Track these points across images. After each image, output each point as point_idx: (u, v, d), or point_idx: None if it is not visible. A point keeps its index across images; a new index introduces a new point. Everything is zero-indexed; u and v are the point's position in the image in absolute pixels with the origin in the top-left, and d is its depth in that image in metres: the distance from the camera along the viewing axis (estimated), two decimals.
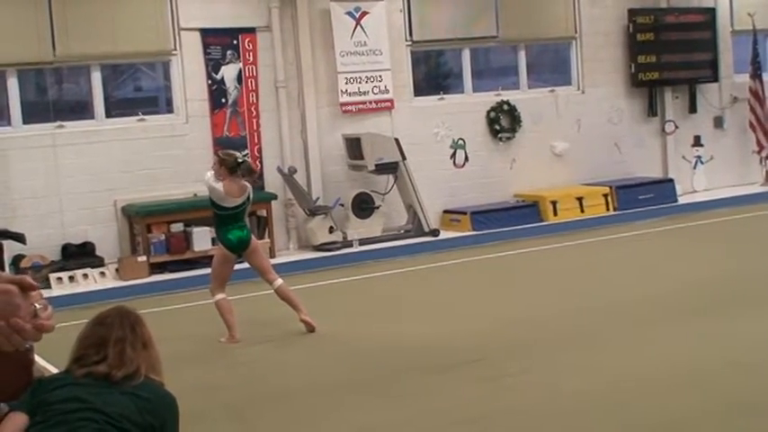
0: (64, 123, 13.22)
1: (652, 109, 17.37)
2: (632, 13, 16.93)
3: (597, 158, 16.71)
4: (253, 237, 9.72)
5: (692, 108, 17.66)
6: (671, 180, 16.98)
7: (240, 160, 9.45)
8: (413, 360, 8.43)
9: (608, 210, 15.97)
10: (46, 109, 13.54)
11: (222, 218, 9.52)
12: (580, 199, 15.80)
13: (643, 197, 16.29)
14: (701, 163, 17.72)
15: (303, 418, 7.15)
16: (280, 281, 9.74)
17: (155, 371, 3.94)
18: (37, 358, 6.60)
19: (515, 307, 10.28)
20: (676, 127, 17.51)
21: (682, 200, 16.75)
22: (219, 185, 9.34)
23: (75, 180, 13.03)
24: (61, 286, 12.40)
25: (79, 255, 12.90)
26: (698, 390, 7.10)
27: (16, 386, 5.18)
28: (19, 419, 3.60)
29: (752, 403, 6.72)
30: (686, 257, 12.65)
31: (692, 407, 6.74)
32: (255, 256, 9.67)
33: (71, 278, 12.58)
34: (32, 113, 13.21)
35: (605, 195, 16.04)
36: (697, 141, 17.70)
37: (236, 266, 9.91)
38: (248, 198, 9.51)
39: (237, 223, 9.49)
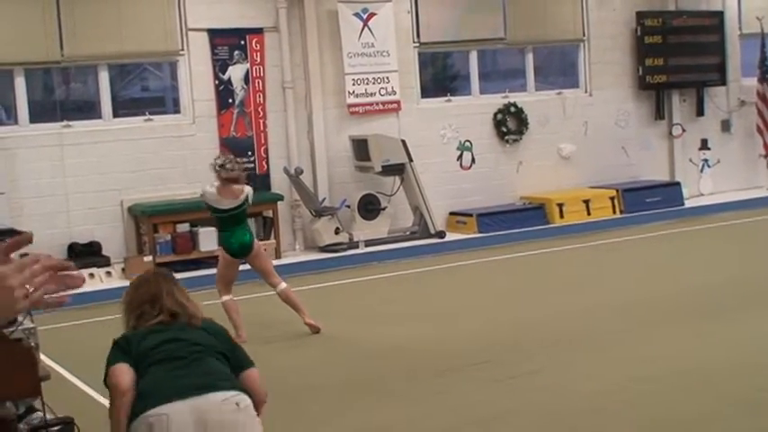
0: (71, 123, 13.23)
1: (659, 112, 17.35)
2: (640, 15, 16.90)
3: (604, 161, 16.69)
4: (255, 240, 9.71)
5: (700, 111, 17.63)
6: (678, 183, 16.95)
7: (220, 163, 9.44)
8: (420, 361, 8.43)
9: (614, 212, 15.95)
10: (53, 108, 13.56)
11: (221, 221, 9.55)
12: (587, 201, 15.78)
13: (650, 200, 16.27)
14: (708, 166, 17.69)
15: (310, 419, 7.15)
16: (283, 284, 9.73)
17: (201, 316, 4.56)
18: (42, 357, 6.59)
19: (522, 308, 10.27)
20: (683, 130, 17.48)
21: (688, 203, 16.72)
22: (213, 189, 9.40)
23: (81, 179, 13.04)
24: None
25: (85, 254, 12.90)
26: (706, 390, 7.09)
27: (22, 384, 5.20)
28: (126, 369, 4.18)
29: (760, 403, 6.71)
30: (693, 260, 12.63)
31: (700, 407, 6.73)
32: (258, 260, 9.66)
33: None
34: (40, 113, 13.23)
35: (612, 198, 16.01)
36: (704, 145, 17.68)
37: (242, 267, 9.91)
38: (246, 200, 9.49)
39: (238, 226, 9.48)
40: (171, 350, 4.20)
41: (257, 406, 4.31)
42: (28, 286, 1.92)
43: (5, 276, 1.88)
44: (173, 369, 4.14)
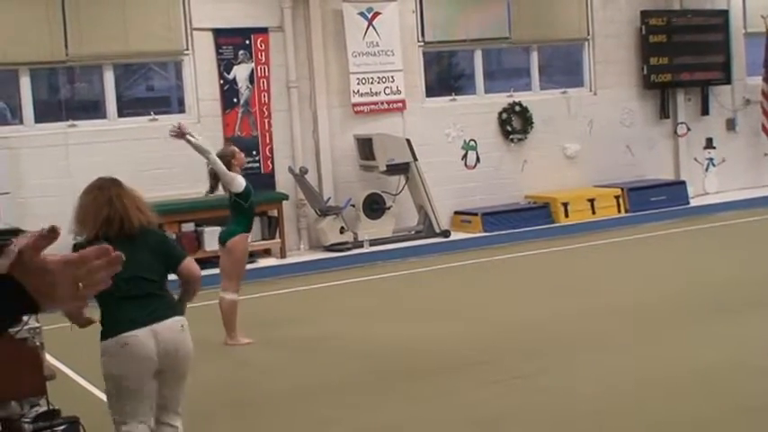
0: (76, 122, 13.25)
1: (664, 111, 17.33)
2: (645, 14, 16.89)
3: (609, 160, 16.67)
4: (234, 240, 9.32)
5: (705, 110, 17.61)
6: (683, 182, 16.94)
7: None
8: (423, 361, 8.42)
9: (619, 211, 15.94)
10: (58, 108, 13.56)
11: None
12: (591, 201, 15.77)
13: (655, 199, 16.25)
14: (713, 165, 17.68)
15: (312, 419, 7.15)
16: (230, 296, 9.38)
17: (146, 207, 5.70)
18: (47, 356, 6.61)
19: (526, 308, 10.26)
20: (688, 129, 17.47)
21: (693, 202, 16.71)
22: None
23: (86, 179, 12.74)
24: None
25: None
26: (712, 392, 7.08)
27: (27, 384, 5.21)
28: None
29: (765, 406, 6.71)
30: (698, 260, 12.62)
31: (705, 409, 6.72)
32: (225, 258, 9.52)
33: None
34: (45, 112, 13.24)
35: (617, 197, 16.00)
36: (709, 144, 17.66)
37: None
38: (231, 194, 9.34)
39: (233, 218, 9.48)
40: (130, 290, 5.31)
41: (195, 286, 5.72)
42: (81, 285, 1.80)
43: (51, 272, 1.73)
44: (134, 304, 5.38)
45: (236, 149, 9.63)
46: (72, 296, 1.76)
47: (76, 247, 5.22)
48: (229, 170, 9.22)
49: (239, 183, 9.20)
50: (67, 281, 1.75)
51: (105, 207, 5.52)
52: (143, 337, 5.38)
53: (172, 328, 5.50)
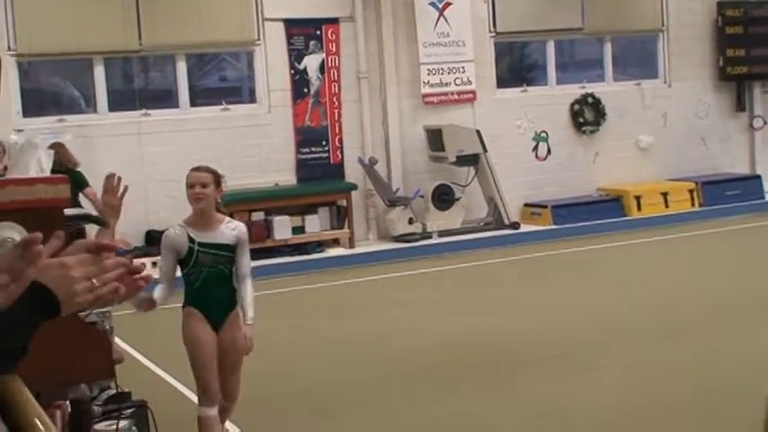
0: (149, 111, 13.39)
1: (740, 104, 17.04)
2: (721, 5, 16.61)
3: (683, 153, 16.44)
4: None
5: None
6: (758, 176, 16.64)
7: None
8: (489, 354, 8.37)
9: (693, 206, 15.71)
10: (132, 97, 13.73)
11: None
12: (665, 194, 15.57)
13: (729, 193, 15.99)
14: None
15: (384, 409, 7.14)
16: (198, 411, 5.99)
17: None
18: (117, 340, 6.66)
19: (597, 302, 10.16)
20: (765, 122, 17.16)
21: None
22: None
23: (159, 168, 13.18)
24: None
25: None
26: None
27: (95, 367, 5.26)
28: None
29: None
30: None
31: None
32: None
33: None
34: (118, 101, 13.41)
35: (690, 191, 15.78)
36: None
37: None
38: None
39: None
40: None
41: None
42: (95, 281, 1.88)
43: (68, 266, 1.82)
44: None
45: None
46: (88, 290, 1.83)
47: None
48: None
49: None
50: (83, 275, 1.82)
51: None
52: None
53: None
